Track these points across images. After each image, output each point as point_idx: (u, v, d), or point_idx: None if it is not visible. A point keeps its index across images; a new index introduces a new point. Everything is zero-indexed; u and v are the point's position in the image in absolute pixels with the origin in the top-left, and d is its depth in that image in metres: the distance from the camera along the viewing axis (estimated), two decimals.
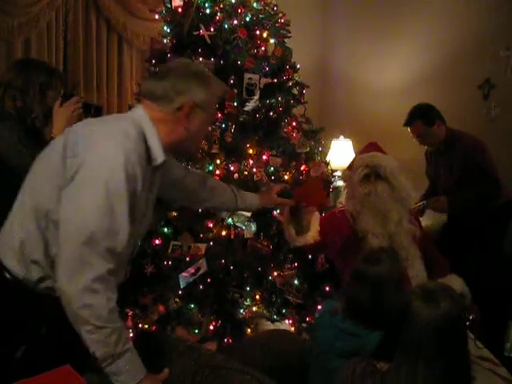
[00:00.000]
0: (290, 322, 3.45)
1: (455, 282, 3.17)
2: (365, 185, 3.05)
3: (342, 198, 3.33)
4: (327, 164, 3.76)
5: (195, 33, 3.43)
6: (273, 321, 3.43)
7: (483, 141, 4.42)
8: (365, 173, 3.07)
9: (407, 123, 4.14)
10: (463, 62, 5.15)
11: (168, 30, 3.60)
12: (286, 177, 3.44)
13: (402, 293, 2.14)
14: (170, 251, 3.31)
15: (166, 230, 3.36)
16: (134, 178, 1.80)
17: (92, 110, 2.78)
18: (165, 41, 3.61)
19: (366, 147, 3.32)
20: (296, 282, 3.44)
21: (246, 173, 3.36)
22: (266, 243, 3.32)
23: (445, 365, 1.68)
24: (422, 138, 4.13)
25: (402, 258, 3.00)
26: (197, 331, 3.34)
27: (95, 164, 1.78)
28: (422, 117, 4.09)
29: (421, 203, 3.94)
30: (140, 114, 1.96)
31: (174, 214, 3.35)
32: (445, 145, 4.10)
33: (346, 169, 3.28)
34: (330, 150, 5.26)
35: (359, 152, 3.33)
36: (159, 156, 1.94)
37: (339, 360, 2.14)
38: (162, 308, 3.39)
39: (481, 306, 3.40)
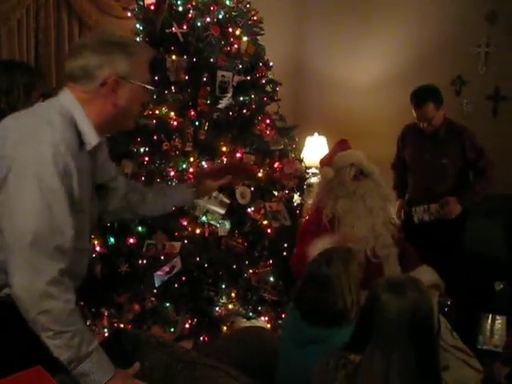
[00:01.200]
0: (266, 319, 3.46)
1: (427, 273, 3.22)
2: (358, 184, 3.08)
3: (313, 197, 3.34)
4: (301, 161, 3.77)
5: (168, 30, 3.43)
6: (249, 318, 3.43)
7: None
8: (354, 172, 3.09)
9: (419, 104, 3.87)
10: (435, 59, 5.19)
11: (141, 28, 3.58)
12: (259, 174, 3.45)
13: (356, 293, 2.17)
14: (144, 250, 3.30)
15: (140, 228, 3.35)
16: (67, 170, 1.73)
17: None
18: (137, 39, 3.58)
19: (340, 145, 3.33)
20: (271, 279, 3.45)
21: None
22: (240, 241, 3.32)
23: (416, 354, 1.69)
24: (430, 121, 3.87)
25: (383, 257, 3.05)
26: (172, 330, 3.33)
27: (24, 163, 1.70)
28: (433, 98, 3.87)
29: (419, 208, 3.88)
30: (66, 99, 1.84)
31: None
32: (444, 129, 3.95)
33: (323, 167, 3.27)
34: (305, 147, 5.27)
35: (333, 150, 3.34)
36: (92, 139, 1.84)
37: (298, 349, 2.18)
38: (137, 307, 3.38)
39: (452, 301, 3.45)
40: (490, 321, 4.00)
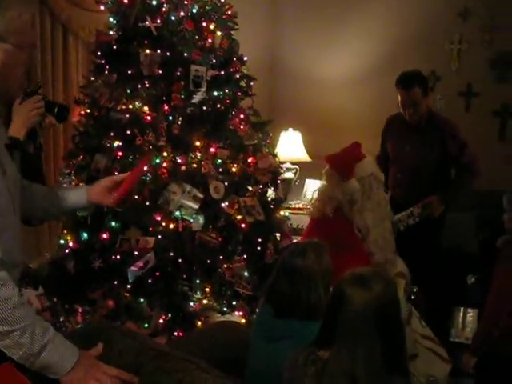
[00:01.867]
0: (241, 313, 3.45)
1: (398, 263, 3.28)
2: (381, 194, 3.21)
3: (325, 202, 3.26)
4: (275, 156, 3.77)
5: (141, 24, 3.38)
6: (223, 313, 3.42)
7: None
8: (377, 184, 3.21)
9: (406, 88, 3.82)
10: (409, 55, 5.24)
11: (114, 22, 3.54)
12: (233, 169, 3.45)
13: (328, 286, 2.16)
14: (118, 245, 3.28)
15: (113, 224, 3.32)
16: None
17: (56, 109, 2.68)
18: (111, 32, 3.55)
19: (356, 150, 3.29)
20: (246, 273, 3.45)
21: (195, 165, 3.35)
22: (214, 236, 3.31)
23: (383, 346, 1.70)
24: (415, 108, 3.83)
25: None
26: (147, 325, 3.32)
27: None
28: (420, 83, 3.84)
29: (402, 216, 3.81)
30: None
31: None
32: (427, 121, 3.92)
33: (350, 179, 3.17)
34: (279, 142, 5.29)
35: (349, 156, 3.26)
36: None
37: (269, 345, 2.17)
38: (111, 303, 3.36)
39: (425, 294, 3.50)
40: (461, 314, 4.07)
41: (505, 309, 2.72)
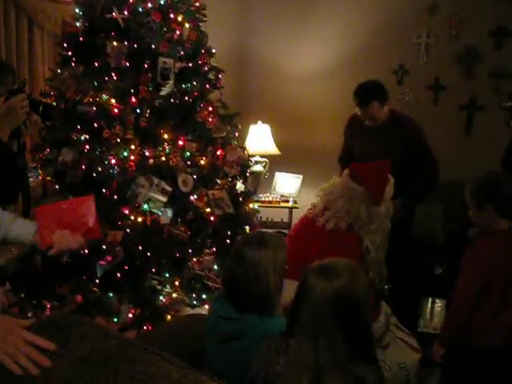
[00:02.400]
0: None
1: None
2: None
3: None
4: (244, 149, 3.77)
5: (108, 16, 3.35)
6: (193, 306, 3.41)
7: None
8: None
9: (363, 104, 3.79)
10: (378, 49, 5.28)
11: (80, 13, 3.50)
12: (202, 162, 3.43)
13: (280, 280, 2.12)
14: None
15: None
16: None
17: (40, 108, 2.62)
18: (77, 24, 3.51)
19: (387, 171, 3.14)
20: (215, 266, 3.44)
21: (163, 158, 3.33)
22: (183, 229, 3.29)
23: (344, 338, 1.70)
24: (375, 119, 3.82)
25: None
26: (116, 320, 3.29)
27: None
28: (377, 95, 3.79)
29: None
30: None
31: None
32: (390, 122, 3.88)
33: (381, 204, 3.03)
34: (248, 135, 5.28)
35: (384, 179, 3.09)
36: None
37: (219, 345, 2.13)
38: (79, 298, 3.33)
39: (395, 286, 3.53)
40: (429, 304, 4.12)
41: (472, 301, 2.75)
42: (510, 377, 2.91)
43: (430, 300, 4.14)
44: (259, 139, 5.26)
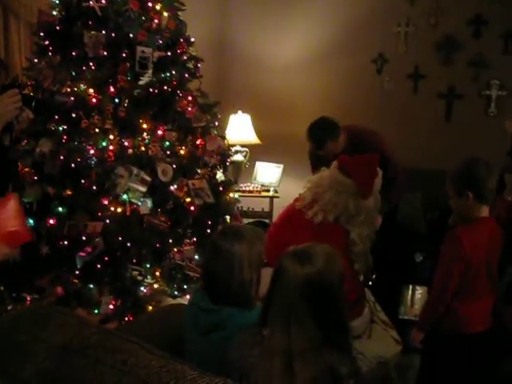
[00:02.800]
0: None
1: None
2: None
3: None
4: (224, 138, 3.76)
5: (85, 4, 3.32)
6: (174, 297, 3.41)
7: (377, 116, 4.58)
8: None
9: (319, 147, 3.85)
10: (357, 38, 5.29)
11: (57, 1, 3.46)
12: (181, 151, 3.42)
13: (257, 272, 2.10)
14: (65, 231, 3.21)
15: (60, 209, 3.26)
16: None
17: (33, 103, 2.59)
18: (54, 13, 3.47)
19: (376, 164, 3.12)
20: (196, 256, 3.44)
21: (142, 148, 3.31)
22: (163, 219, 3.28)
23: (316, 324, 1.70)
24: (334, 153, 3.75)
25: None
26: (97, 311, 3.28)
27: None
28: (330, 135, 3.85)
29: None
30: None
31: (69, 192, 3.26)
32: (352, 145, 3.88)
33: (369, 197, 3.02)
34: (229, 125, 5.26)
35: (374, 172, 3.07)
36: None
37: (200, 337, 2.12)
38: (60, 290, 3.30)
39: (377, 273, 3.56)
40: (410, 291, 4.15)
41: (451, 288, 2.78)
42: (487, 363, 2.97)
43: (411, 287, 4.16)
44: (240, 129, 5.25)
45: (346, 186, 2.95)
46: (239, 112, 5.34)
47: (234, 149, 4.36)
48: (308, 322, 1.69)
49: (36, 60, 3.49)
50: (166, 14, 3.50)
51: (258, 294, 2.13)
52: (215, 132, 3.65)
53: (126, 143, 3.26)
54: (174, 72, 3.47)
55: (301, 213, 3.01)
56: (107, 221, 3.20)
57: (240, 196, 4.11)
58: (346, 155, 3.17)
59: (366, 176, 3.00)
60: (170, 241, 3.36)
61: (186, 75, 3.60)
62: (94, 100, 3.26)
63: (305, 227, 2.97)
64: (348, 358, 1.76)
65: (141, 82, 3.36)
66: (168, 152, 3.37)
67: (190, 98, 3.54)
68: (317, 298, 1.72)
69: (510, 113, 4.83)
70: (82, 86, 3.28)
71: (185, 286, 3.44)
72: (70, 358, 1.52)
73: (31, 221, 3.28)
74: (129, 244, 3.24)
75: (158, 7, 3.47)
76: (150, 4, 3.44)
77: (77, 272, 3.23)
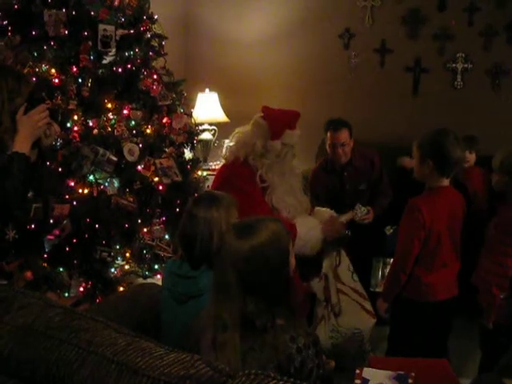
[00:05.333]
0: None
1: (323, 212, 3.36)
2: (294, 166, 3.30)
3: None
4: (190, 115, 3.73)
5: None
6: (145, 277, 3.40)
7: (344, 91, 4.60)
8: (294, 153, 3.26)
9: (336, 128, 4.05)
10: (324, 13, 5.27)
11: None
12: (148, 130, 3.38)
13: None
14: (32, 214, 3.17)
15: None
16: None
17: (59, 117, 2.56)
18: None
19: (293, 118, 3.30)
20: (166, 236, 3.43)
21: (109, 129, 3.27)
22: (131, 199, 3.25)
23: (260, 298, 1.68)
24: (344, 148, 4.07)
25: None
26: (67, 294, 3.25)
27: None
28: (348, 126, 4.07)
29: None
30: None
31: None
32: (359, 157, 4.17)
33: (277, 140, 3.21)
34: (196, 103, 5.22)
35: (286, 121, 3.27)
36: None
37: (180, 306, 2.18)
38: (29, 274, 3.25)
39: (348, 246, 3.58)
40: (381, 264, 4.17)
41: (412, 257, 2.82)
42: (448, 329, 3.03)
43: (382, 260, 4.19)
44: (207, 107, 5.21)
45: (261, 126, 3.22)
46: (207, 90, 5.29)
47: (202, 127, 4.33)
48: (251, 298, 1.67)
49: None
50: None
51: None
52: (181, 110, 3.62)
53: (90, 123, 3.21)
54: (137, 50, 3.42)
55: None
56: (74, 203, 3.16)
57: (209, 175, 4.10)
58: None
59: (279, 119, 3.24)
60: (139, 221, 3.34)
61: (151, 53, 3.56)
62: (56, 80, 3.19)
63: (220, 168, 3.42)
64: (302, 328, 1.75)
65: (104, 61, 3.32)
66: (134, 131, 3.33)
67: (154, 77, 3.50)
68: (255, 273, 1.69)
69: (476, 85, 4.89)
70: (43, 66, 3.21)
71: (155, 266, 3.42)
72: (34, 339, 1.50)
73: None
74: (97, 225, 3.21)
75: None
76: None
77: (45, 256, 3.20)
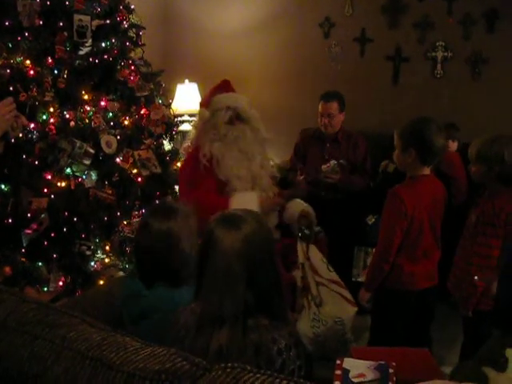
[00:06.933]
0: None
1: (298, 204, 3.34)
2: (231, 128, 3.12)
3: (190, 140, 3.33)
4: (169, 106, 3.70)
5: None
6: (126, 270, 3.37)
7: (325, 81, 4.58)
8: (229, 115, 3.12)
9: (326, 98, 4.28)
10: (303, 1, 5.24)
11: None
12: (126, 122, 3.35)
13: (194, 248, 2.02)
14: (9, 209, 3.13)
15: (3, 186, 3.16)
16: None
17: (27, 109, 2.51)
18: None
19: (221, 86, 3.30)
20: None
21: (86, 120, 3.23)
22: (110, 191, 3.22)
23: (252, 290, 1.65)
24: (331, 119, 4.27)
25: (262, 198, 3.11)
26: (46, 289, 3.22)
27: None
28: (338, 99, 4.27)
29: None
30: None
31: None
32: (344, 134, 4.36)
33: (201, 108, 3.29)
34: (176, 95, 5.18)
35: (214, 91, 3.32)
36: None
37: (132, 326, 2.01)
38: (7, 269, 3.22)
39: (327, 235, 3.57)
40: (363, 254, 4.18)
41: (393, 245, 2.81)
42: (431, 317, 3.04)
43: (364, 250, 4.19)
44: (187, 98, 5.18)
45: (199, 114, 3.29)
46: (186, 81, 5.26)
47: (181, 118, 4.30)
48: (240, 289, 1.63)
49: None
50: None
51: None
52: (159, 101, 3.60)
53: (67, 115, 3.17)
54: (114, 41, 3.39)
55: None
56: (52, 196, 3.13)
57: None
58: None
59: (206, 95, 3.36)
60: (118, 214, 3.32)
61: (128, 44, 3.52)
62: (31, 72, 3.15)
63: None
64: (285, 328, 1.70)
65: (80, 52, 3.29)
66: (111, 123, 3.30)
67: (132, 67, 3.47)
68: (252, 263, 1.66)
69: (456, 73, 4.89)
70: (18, 57, 3.16)
71: None
72: (8, 335, 1.47)
73: None
74: (75, 219, 3.18)
75: None
76: None
77: (23, 250, 3.16)
